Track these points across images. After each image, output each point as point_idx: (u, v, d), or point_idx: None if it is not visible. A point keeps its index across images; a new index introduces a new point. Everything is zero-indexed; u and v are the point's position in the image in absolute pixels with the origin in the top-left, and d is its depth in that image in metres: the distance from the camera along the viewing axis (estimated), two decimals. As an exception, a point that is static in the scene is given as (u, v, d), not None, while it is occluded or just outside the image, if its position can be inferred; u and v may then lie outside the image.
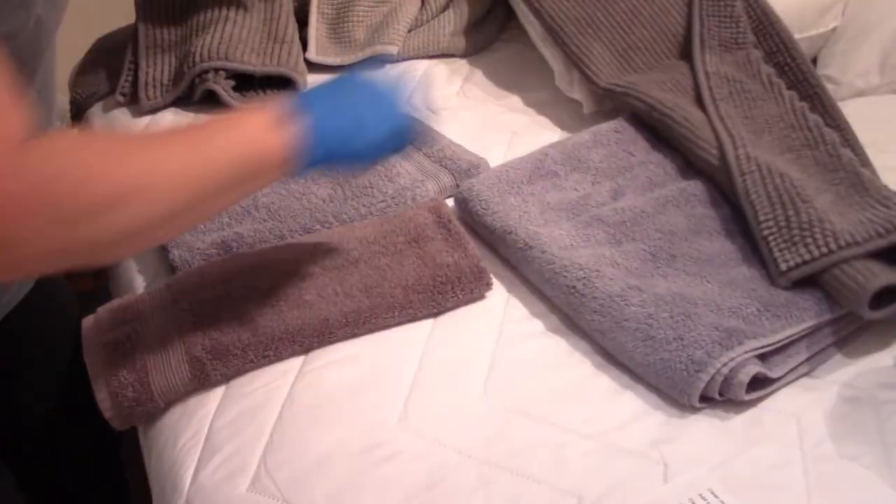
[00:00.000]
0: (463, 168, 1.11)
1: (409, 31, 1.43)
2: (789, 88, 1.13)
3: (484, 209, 1.01)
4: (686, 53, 1.20)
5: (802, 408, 0.81)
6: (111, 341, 0.89)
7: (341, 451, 0.79)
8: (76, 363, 0.91)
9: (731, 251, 0.92)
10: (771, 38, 1.18)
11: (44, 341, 1.05)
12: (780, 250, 0.86)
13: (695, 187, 1.00)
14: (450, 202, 1.08)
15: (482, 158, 1.13)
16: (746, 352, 0.80)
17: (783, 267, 0.86)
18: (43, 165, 0.58)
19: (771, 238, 0.88)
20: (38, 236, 0.59)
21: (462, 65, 1.42)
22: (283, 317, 0.90)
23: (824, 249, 0.84)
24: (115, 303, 0.95)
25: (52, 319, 1.06)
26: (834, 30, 1.30)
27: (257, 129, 0.71)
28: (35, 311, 1.00)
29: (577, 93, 1.24)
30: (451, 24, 1.44)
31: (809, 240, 0.85)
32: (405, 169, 1.11)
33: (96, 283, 2.01)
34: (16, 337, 0.98)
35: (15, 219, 0.57)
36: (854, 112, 1.14)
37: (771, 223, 0.89)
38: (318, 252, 0.97)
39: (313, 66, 1.40)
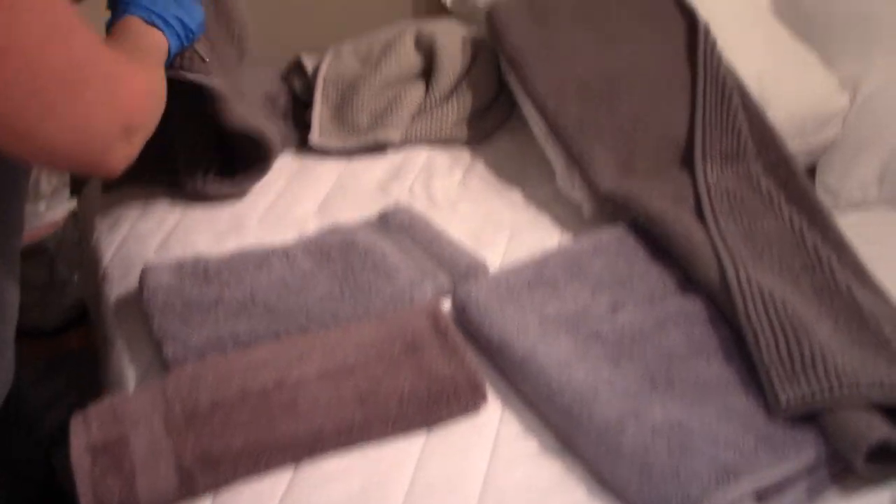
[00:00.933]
0: (461, 269, 1.11)
1: (413, 117, 1.43)
2: (788, 203, 1.14)
3: (482, 318, 1.01)
4: (688, 161, 1.21)
5: (797, 547, 0.80)
6: (99, 443, 0.87)
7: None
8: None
9: (729, 376, 0.92)
10: (772, 151, 1.19)
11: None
12: (781, 382, 0.86)
13: (694, 304, 1.00)
14: (447, 302, 1.08)
15: (481, 260, 1.13)
16: (743, 489, 0.79)
17: (783, 401, 0.85)
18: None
19: (772, 368, 0.87)
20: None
21: (464, 154, 1.43)
22: (275, 426, 0.89)
23: (826, 387, 0.84)
24: (105, 402, 0.93)
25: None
26: (834, 139, 1.31)
27: (151, 31, 1.00)
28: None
29: (578, 194, 1.24)
30: (454, 112, 1.45)
31: (811, 375, 0.85)
32: (404, 267, 1.11)
33: (84, 343, 1.99)
34: None
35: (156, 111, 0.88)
36: (852, 225, 1.15)
37: (773, 353, 0.88)
38: (314, 356, 0.96)
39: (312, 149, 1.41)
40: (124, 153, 0.79)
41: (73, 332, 2.08)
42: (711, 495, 0.78)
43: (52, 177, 2.07)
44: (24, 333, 2.08)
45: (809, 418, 0.86)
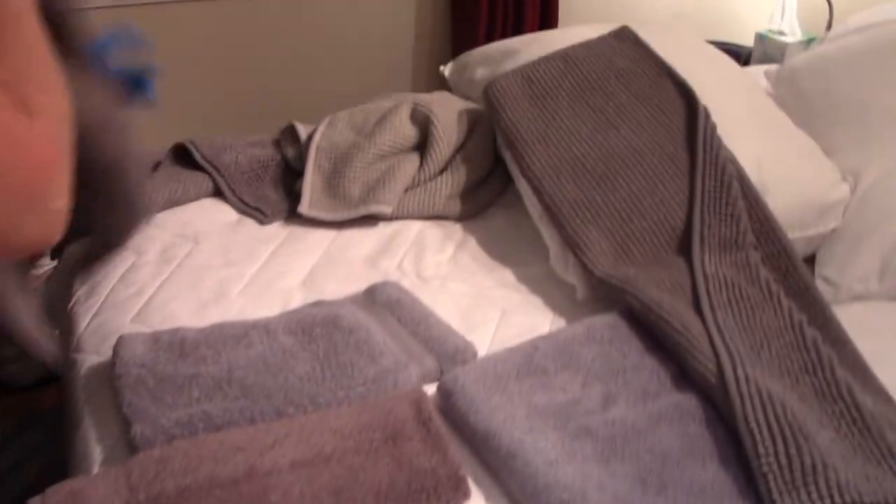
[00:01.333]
0: (449, 352, 1.07)
1: (406, 191, 1.41)
2: (788, 296, 1.11)
3: (467, 406, 0.96)
4: (685, 249, 1.17)
5: None
6: (55, 534, 0.82)
7: None
8: None
9: (724, 482, 0.87)
10: (771, 241, 1.16)
11: None
12: (780, 493, 0.82)
13: (689, 402, 0.96)
14: (433, 386, 1.04)
15: (469, 343, 1.09)
16: None
17: (782, 513, 0.81)
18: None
19: (770, 477, 0.83)
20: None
21: (456, 229, 1.40)
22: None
23: (826, 500, 0.79)
24: (64, 486, 0.88)
25: None
26: (834, 230, 1.29)
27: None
28: None
29: (572, 276, 1.21)
30: (447, 186, 1.42)
31: (812, 487, 0.81)
32: (389, 349, 1.07)
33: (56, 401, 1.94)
34: None
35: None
36: (853, 318, 1.12)
37: (771, 459, 0.84)
38: (289, 443, 0.92)
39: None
40: (45, 221, 0.61)
41: (51, 387, 2.02)
42: None
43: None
44: (1, 387, 2.04)
45: (810, 532, 0.81)
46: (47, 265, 1.92)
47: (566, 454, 0.90)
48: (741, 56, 2.33)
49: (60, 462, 1.12)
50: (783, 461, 0.84)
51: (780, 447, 0.85)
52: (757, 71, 1.82)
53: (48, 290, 1.88)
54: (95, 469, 0.96)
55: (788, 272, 1.14)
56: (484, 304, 1.21)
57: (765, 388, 0.91)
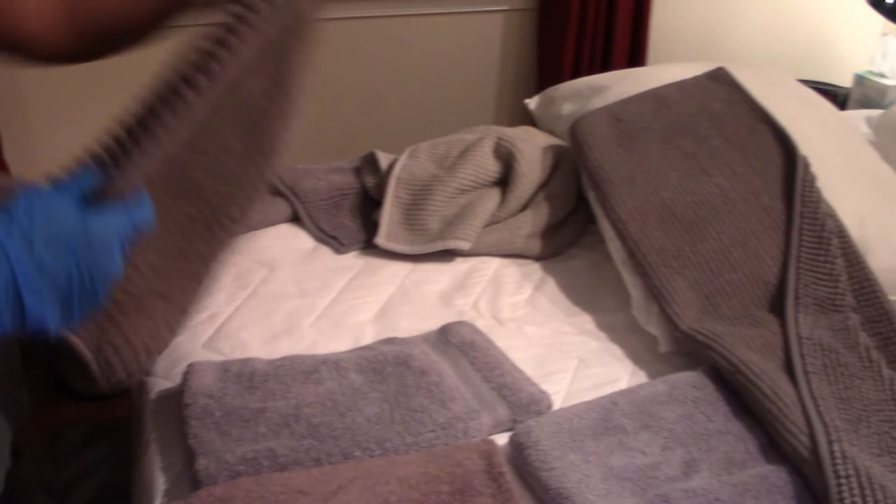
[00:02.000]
0: (523, 402, 1.03)
1: (485, 227, 1.37)
2: (890, 365, 1.04)
3: (541, 462, 0.92)
4: (778, 307, 1.11)
5: None
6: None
7: None
8: None
9: (814, 568, 0.81)
10: (872, 304, 1.09)
11: None
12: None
13: (778, 476, 0.90)
14: (504, 437, 1.00)
15: (545, 393, 1.05)
16: None
17: None
18: None
19: None
20: None
21: (535, 269, 1.36)
22: None
23: None
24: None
25: None
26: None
27: None
28: None
29: (655, 328, 1.15)
30: (528, 225, 1.39)
31: (913, 585, 0.74)
32: (461, 394, 1.03)
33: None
34: None
35: None
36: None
37: None
38: (353, 489, 0.89)
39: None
40: None
41: (123, 398, 2.05)
42: None
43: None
44: (73, 396, 2.07)
45: None
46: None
47: (644, 524, 0.85)
48: (838, 98, 2.24)
49: (125, 477, 1.11)
50: (883, 552, 0.77)
51: (880, 536, 0.78)
52: (857, 116, 1.74)
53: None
54: (158, 500, 0.94)
55: (891, 339, 1.07)
56: (560, 351, 1.17)
57: (864, 468, 0.84)
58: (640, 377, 1.12)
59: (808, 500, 0.87)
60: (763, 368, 0.99)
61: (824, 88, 2.17)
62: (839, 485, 0.83)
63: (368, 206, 1.46)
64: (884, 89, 2.24)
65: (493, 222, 1.39)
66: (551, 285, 1.32)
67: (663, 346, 1.14)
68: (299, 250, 1.38)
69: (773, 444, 0.94)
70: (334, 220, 1.42)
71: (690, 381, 1.03)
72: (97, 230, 0.59)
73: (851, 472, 0.84)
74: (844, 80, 2.37)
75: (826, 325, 1.07)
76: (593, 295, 1.29)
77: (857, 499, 0.81)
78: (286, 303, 1.24)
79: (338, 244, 1.37)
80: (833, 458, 0.86)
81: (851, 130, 1.47)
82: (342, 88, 2.03)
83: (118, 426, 1.95)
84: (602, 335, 1.21)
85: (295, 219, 1.43)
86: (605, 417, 0.98)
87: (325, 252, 1.37)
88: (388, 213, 1.38)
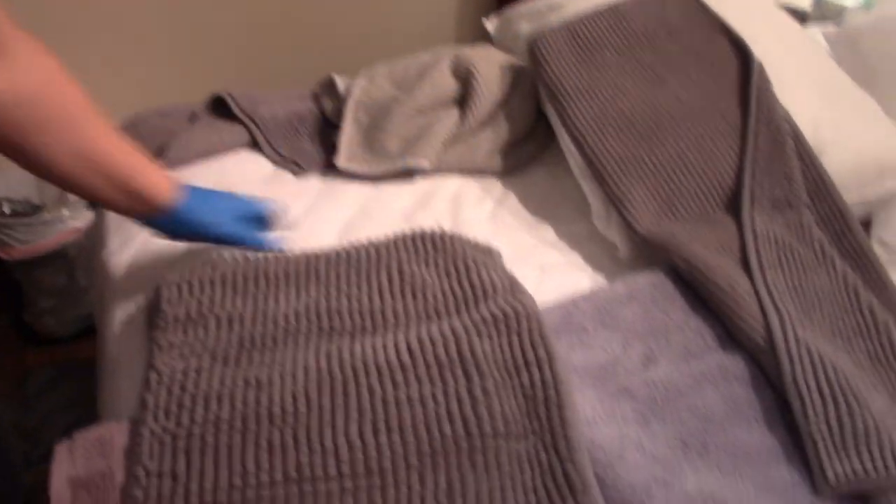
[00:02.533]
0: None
1: (445, 146, 1.37)
2: (842, 258, 1.06)
3: (503, 362, 0.93)
4: (733, 207, 1.13)
5: None
6: (82, 479, 0.81)
7: None
8: None
9: (771, 446, 0.83)
10: (825, 202, 1.11)
11: None
12: (830, 457, 0.78)
13: (735, 363, 0.92)
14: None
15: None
16: (783, 577, 0.71)
17: (830, 477, 0.77)
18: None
19: (820, 441, 0.79)
20: None
21: (496, 185, 1.36)
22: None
23: (881, 465, 0.76)
24: (92, 432, 0.87)
25: None
26: (892, 192, 1.23)
27: (153, 168, 0.95)
28: None
29: (615, 234, 1.17)
30: (488, 142, 1.38)
31: (865, 452, 0.77)
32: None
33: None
34: None
35: None
36: (909, 284, 1.06)
37: (822, 423, 0.80)
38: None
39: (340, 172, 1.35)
40: None
41: (87, 340, 2.04)
42: (747, 582, 0.70)
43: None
44: (38, 339, 2.06)
45: (858, 497, 0.77)
46: (85, 217, 1.93)
47: (604, 414, 0.87)
48: (797, 17, 2.25)
49: (93, 417, 1.11)
50: (834, 425, 0.80)
51: (832, 411, 0.81)
52: (815, 31, 1.75)
53: (87, 242, 1.89)
54: (126, 418, 0.95)
55: (843, 234, 1.09)
56: (522, 262, 1.18)
57: (816, 350, 0.87)
58: (601, 283, 1.13)
59: (764, 385, 0.90)
60: (719, 264, 1.01)
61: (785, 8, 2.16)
62: (792, 365, 0.86)
63: (327, 130, 1.45)
64: (841, 9, 2.25)
65: (453, 142, 1.38)
66: (512, 200, 1.33)
67: (623, 252, 1.15)
68: (259, 175, 1.36)
69: (730, 336, 0.96)
70: (293, 144, 1.41)
71: (648, 281, 1.04)
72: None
73: (804, 353, 0.86)
74: (804, 2, 2.37)
75: (781, 223, 1.09)
76: (554, 208, 1.30)
77: (810, 377, 0.84)
78: (247, 225, 1.24)
79: (297, 168, 1.37)
80: (787, 342, 0.88)
81: (808, 40, 1.48)
82: (298, 12, 2.00)
83: (83, 368, 1.95)
84: (563, 245, 1.22)
85: (253, 145, 1.42)
86: (566, 319, 0.99)
87: (285, 176, 1.36)
88: (348, 135, 1.37)
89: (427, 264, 1.06)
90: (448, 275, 1.04)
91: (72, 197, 2.02)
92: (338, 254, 1.07)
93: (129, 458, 0.83)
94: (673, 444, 0.83)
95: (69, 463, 0.83)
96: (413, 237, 1.10)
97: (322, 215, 1.27)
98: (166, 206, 0.96)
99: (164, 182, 0.96)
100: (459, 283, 1.03)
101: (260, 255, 1.07)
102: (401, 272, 1.04)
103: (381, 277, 1.04)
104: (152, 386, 0.89)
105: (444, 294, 1.01)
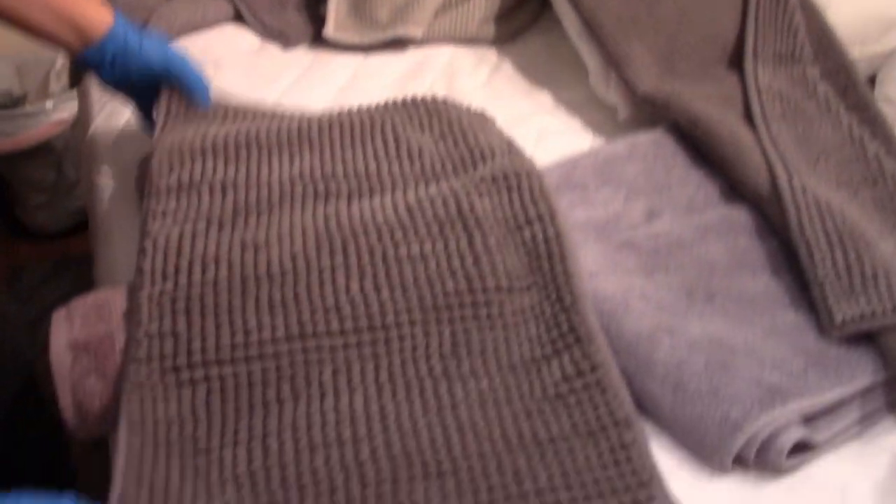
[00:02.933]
0: (484, 171, 1.02)
1: (436, 13, 1.32)
2: (848, 111, 1.03)
3: (504, 221, 0.91)
4: (736, 64, 1.10)
5: (848, 477, 0.72)
6: (82, 341, 0.80)
7: None
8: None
9: (777, 292, 0.83)
10: (830, 56, 1.08)
11: None
12: (837, 299, 0.77)
13: (739, 215, 0.91)
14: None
15: (505, 162, 1.03)
16: (789, 414, 0.71)
17: (838, 318, 0.76)
18: None
19: (827, 284, 0.78)
20: None
21: (490, 54, 1.32)
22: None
23: (889, 306, 0.75)
24: (90, 298, 0.86)
25: None
26: (897, 48, 1.20)
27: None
28: None
29: (614, 96, 1.14)
30: (481, 9, 1.34)
31: (872, 291, 0.76)
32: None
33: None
34: None
35: None
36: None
37: (829, 267, 0.79)
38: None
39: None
40: None
41: (81, 235, 2.02)
42: (754, 418, 0.70)
43: (61, 74, 1.98)
44: (31, 235, 2.04)
45: (866, 339, 0.77)
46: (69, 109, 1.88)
47: (608, 267, 0.86)
48: None
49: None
50: (840, 268, 0.79)
51: (838, 254, 0.80)
52: None
53: (74, 132, 1.85)
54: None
55: (848, 88, 1.06)
56: (520, 128, 1.14)
57: (822, 197, 0.85)
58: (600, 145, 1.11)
59: (768, 235, 0.89)
60: (722, 118, 0.98)
61: None
62: (798, 213, 0.84)
63: (315, 1, 1.39)
64: None
65: (444, 9, 1.34)
66: (508, 67, 1.29)
67: (622, 114, 1.13)
68: (245, 48, 1.32)
69: (733, 189, 0.95)
70: (279, 16, 1.36)
71: (650, 138, 1.02)
72: None
73: (811, 201, 0.85)
74: None
75: (785, 77, 1.06)
76: (551, 74, 1.27)
77: (816, 223, 0.82)
78: (236, 98, 1.20)
79: (284, 40, 1.32)
80: (792, 191, 0.87)
81: None
82: None
83: (79, 263, 1.93)
84: (561, 111, 1.20)
85: (237, 18, 1.37)
86: (566, 177, 0.97)
87: (273, 49, 1.32)
88: (336, 4, 1.32)
89: (422, 129, 1.03)
90: (444, 139, 1.01)
91: (54, 87, 1.97)
92: (330, 119, 1.04)
93: (129, 321, 0.81)
94: (678, 293, 0.82)
95: (68, 327, 0.81)
96: (406, 103, 1.07)
97: (312, 87, 1.24)
98: (104, 30, 0.94)
99: (102, 10, 0.95)
100: (456, 146, 1.01)
101: (247, 124, 1.04)
102: (396, 137, 1.01)
103: (376, 142, 1.01)
104: (148, 251, 0.87)
105: (440, 158, 0.99)
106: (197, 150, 1.00)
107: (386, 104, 1.07)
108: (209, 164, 0.98)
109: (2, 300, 1.22)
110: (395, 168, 0.97)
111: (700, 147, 0.99)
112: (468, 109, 1.08)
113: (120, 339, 0.81)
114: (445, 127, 1.02)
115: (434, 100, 1.07)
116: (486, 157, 0.98)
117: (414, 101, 1.07)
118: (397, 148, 1.00)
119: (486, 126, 1.05)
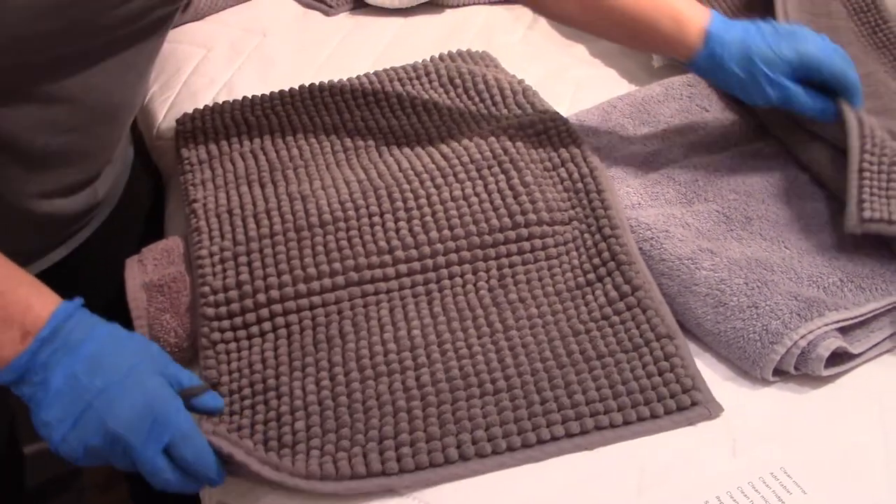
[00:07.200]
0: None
1: (472, -26, 1.36)
2: (876, 49, 1.06)
3: (545, 161, 0.95)
4: (769, 7, 1.12)
5: (885, 386, 0.76)
6: (155, 283, 0.86)
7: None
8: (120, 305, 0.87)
9: (811, 215, 0.86)
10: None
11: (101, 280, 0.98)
12: (871, 196, 0.79)
13: (772, 150, 0.94)
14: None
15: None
16: (827, 324, 0.74)
17: (866, 213, 0.78)
18: None
19: (866, 177, 0.79)
20: None
21: (525, 12, 1.35)
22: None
23: (917, 218, 0.78)
24: (160, 243, 0.91)
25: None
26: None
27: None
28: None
29: (648, 44, 1.17)
30: (515, -32, 1.37)
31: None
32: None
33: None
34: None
35: None
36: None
37: (874, 163, 0.80)
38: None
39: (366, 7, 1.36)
40: None
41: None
42: (793, 329, 0.74)
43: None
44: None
45: (883, 244, 0.80)
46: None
47: (648, 198, 0.90)
48: None
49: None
50: (884, 170, 0.80)
51: (886, 158, 0.80)
52: None
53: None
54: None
55: (878, 25, 1.08)
56: (557, 80, 1.19)
57: (866, 119, 0.86)
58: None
59: (800, 169, 0.92)
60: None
61: None
62: (858, 113, 0.85)
63: (353, -32, 1.44)
64: None
65: (479, -30, 1.37)
66: (543, 24, 1.32)
67: (657, 61, 1.16)
68: (289, 16, 1.37)
69: (765, 128, 0.98)
70: (320, -16, 1.40)
71: (684, 80, 1.05)
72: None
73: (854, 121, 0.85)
74: None
75: (810, 15, 1.08)
76: (586, 28, 1.30)
77: (867, 126, 0.83)
78: (284, 61, 1.26)
79: (326, 6, 1.37)
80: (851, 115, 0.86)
81: None
82: None
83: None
84: (597, 61, 1.23)
85: (280, -12, 1.42)
86: (605, 118, 1.01)
87: (316, 15, 1.37)
88: (374, -30, 1.36)
89: (435, 90, 1.10)
90: (455, 89, 1.10)
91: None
92: (342, 86, 1.10)
93: (193, 275, 0.86)
94: (717, 219, 0.86)
95: (141, 270, 0.87)
96: (433, 59, 1.17)
97: (355, 51, 1.28)
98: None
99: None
100: (468, 95, 1.06)
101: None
102: (410, 96, 1.08)
103: (391, 100, 1.07)
104: (199, 213, 0.92)
105: (459, 112, 1.04)
106: (219, 124, 1.06)
107: (414, 65, 1.14)
108: (232, 133, 1.04)
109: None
110: (416, 121, 1.04)
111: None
112: (466, 54, 1.18)
113: (190, 279, 0.86)
114: (469, 83, 1.08)
115: (458, 56, 1.16)
116: (506, 97, 1.04)
117: (442, 56, 1.15)
118: (412, 104, 1.06)
119: (490, 64, 1.15)
